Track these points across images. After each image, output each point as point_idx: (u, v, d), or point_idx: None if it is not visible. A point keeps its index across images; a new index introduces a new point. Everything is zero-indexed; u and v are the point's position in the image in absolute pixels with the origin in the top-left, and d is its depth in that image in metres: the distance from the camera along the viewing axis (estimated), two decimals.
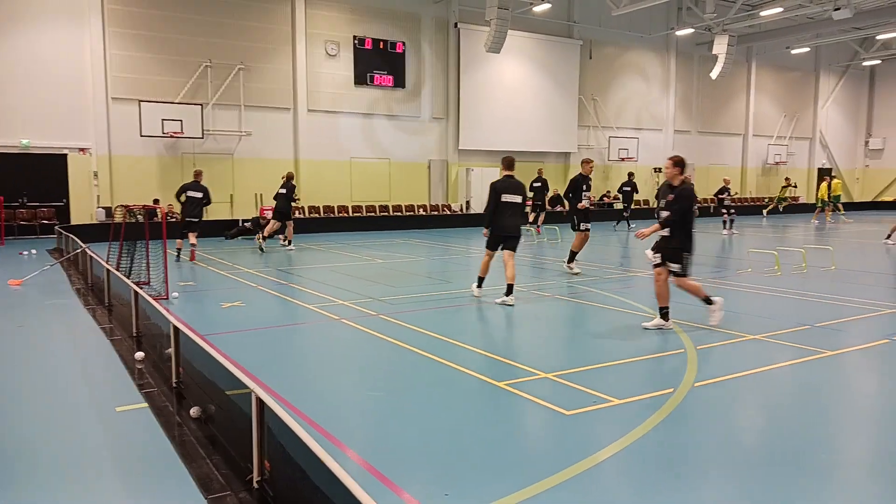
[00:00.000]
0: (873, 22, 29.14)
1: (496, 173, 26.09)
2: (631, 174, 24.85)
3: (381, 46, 23.48)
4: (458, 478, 3.91)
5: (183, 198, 14.01)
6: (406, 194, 24.76)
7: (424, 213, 24.80)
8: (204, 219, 14.63)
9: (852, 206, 36.66)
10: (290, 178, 16.37)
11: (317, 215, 22.55)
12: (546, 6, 24.32)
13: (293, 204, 16.42)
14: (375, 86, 23.55)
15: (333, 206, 23.13)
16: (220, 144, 21.36)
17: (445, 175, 25.53)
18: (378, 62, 23.50)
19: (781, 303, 9.38)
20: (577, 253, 12.20)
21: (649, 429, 4.60)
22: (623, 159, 29.39)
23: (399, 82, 24.00)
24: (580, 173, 12.08)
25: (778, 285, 10.78)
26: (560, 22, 27.34)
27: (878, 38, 33.08)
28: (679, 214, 7.44)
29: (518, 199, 9.33)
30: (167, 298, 9.25)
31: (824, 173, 37.67)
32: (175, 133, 19.84)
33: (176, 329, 5.29)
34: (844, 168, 38.81)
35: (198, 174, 14.48)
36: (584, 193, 11.91)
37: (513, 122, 26.43)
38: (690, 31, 29.08)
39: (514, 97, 26.50)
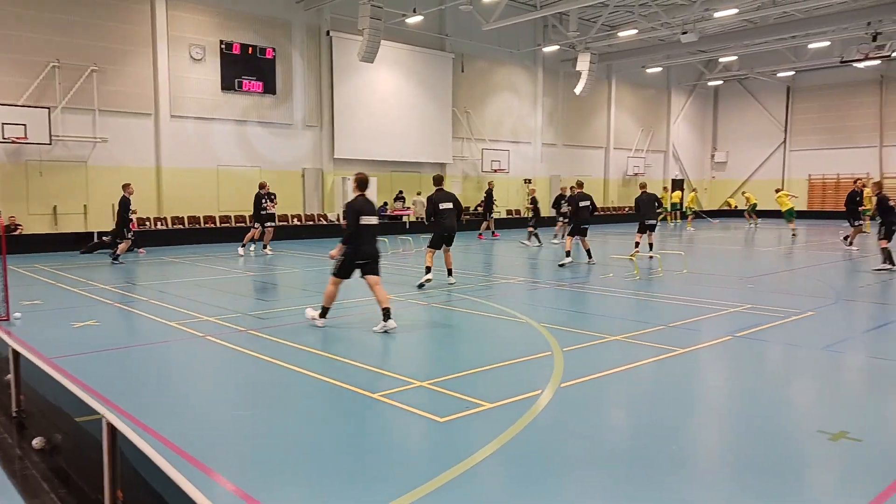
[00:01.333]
0: (716, 46, 32.07)
1: (374, 183, 26.14)
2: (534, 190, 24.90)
3: (250, 52, 22.74)
4: (332, 492, 3.82)
5: None
6: (279, 203, 24.03)
7: (299, 223, 24.23)
8: (54, 231, 13.23)
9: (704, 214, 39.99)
10: (261, 186, 17.73)
11: (181, 226, 21.38)
12: (418, 18, 24.62)
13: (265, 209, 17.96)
14: (244, 92, 22.76)
15: (199, 217, 22.04)
16: (72, 151, 19.74)
17: (321, 184, 25.10)
18: (247, 68, 22.73)
19: (639, 305, 10.02)
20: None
21: (520, 429, 4.73)
22: (496, 170, 30.29)
23: (269, 89, 23.35)
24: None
25: (637, 289, 11.51)
26: (433, 35, 27.79)
27: (721, 60, 36.42)
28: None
29: (375, 220, 8.43)
30: (8, 319, 8.40)
31: (677, 184, 40.88)
32: (18, 138, 18.10)
33: (15, 352, 4.80)
34: (694, 179, 42.21)
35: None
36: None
37: (388, 131, 26.49)
38: (556, 48, 30.55)
39: (389, 107, 26.58)
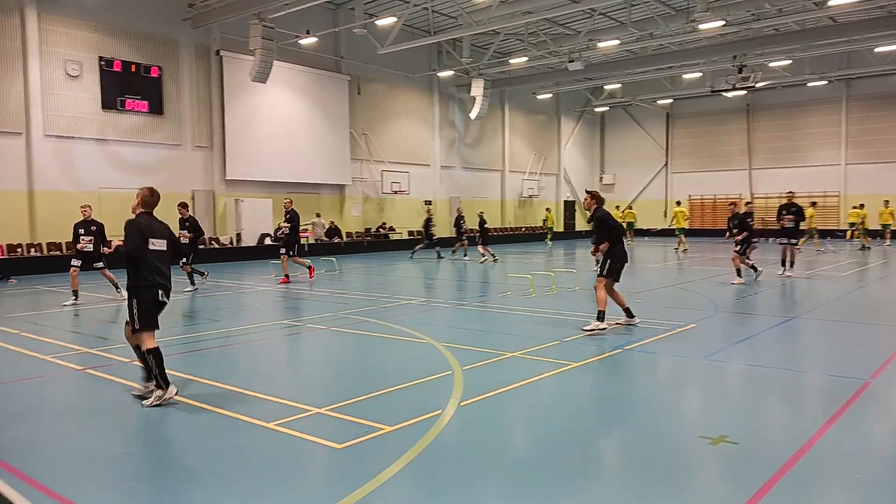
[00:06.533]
0: (601, 74, 33.88)
1: (269, 204, 25.55)
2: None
3: (133, 70, 21.68)
4: None
5: None
6: (169, 226, 22.91)
7: None
8: None
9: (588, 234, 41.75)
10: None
11: (57, 252, 19.87)
12: (312, 40, 24.41)
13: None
14: (128, 111, 21.63)
15: None
16: None
17: (212, 206, 24.19)
18: (130, 86, 21.63)
19: (535, 321, 10.27)
20: None
21: (421, 450, 4.69)
22: (396, 192, 30.37)
23: (155, 108, 22.32)
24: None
25: (533, 305, 11.80)
26: (328, 56, 27.62)
27: (606, 88, 38.45)
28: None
29: (164, 244, 6.35)
30: None
31: (569, 206, 42.54)
32: None
33: None
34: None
35: None
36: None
37: (284, 153, 25.97)
38: (450, 73, 31.18)
39: (284, 128, 26.08)
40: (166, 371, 5.98)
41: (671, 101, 39.90)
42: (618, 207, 32.32)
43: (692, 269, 18.90)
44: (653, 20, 25.45)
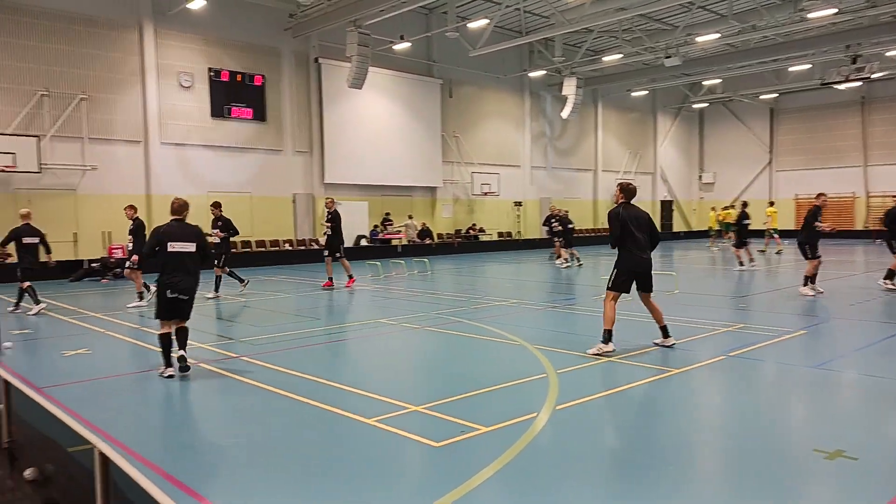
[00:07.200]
0: (699, 69, 32.59)
1: (365, 206, 26.27)
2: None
3: (239, 79, 22.88)
4: None
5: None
6: (270, 229, 24.06)
7: (290, 248, 24.20)
8: (44, 259, 12.90)
9: (693, 235, 40.28)
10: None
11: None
12: (406, 45, 24.91)
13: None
14: (234, 118, 22.86)
15: None
16: (61, 179, 19.69)
17: (312, 209, 25.13)
18: (236, 94, 22.85)
19: (632, 326, 10.03)
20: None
21: (517, 453, 4.71)
22: (486, 193, 30.45)
23: (259, 115, 23.47)
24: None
25: (629, 309, 11.53)
26: (421, 61, 28.07)
27: (704, 83, 36.98)
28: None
29: (191, 247, 7.18)
30: None
31: (666, 205, 41.20)
32: (6, 167, 18.05)
33: (6, 383, 4.74)
34: (683, 199, 42.58)
35: (29, 215, 12.27)
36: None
37: (378, 156, 26.62)
38: (542, 73, 30.94)
39: (378, 132, 26.74)
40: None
41: (775, 95, 37.82)
42: (713, 209, 30.68)
43: (797, 273, 17.88)
44: (756, 11, 24.25)
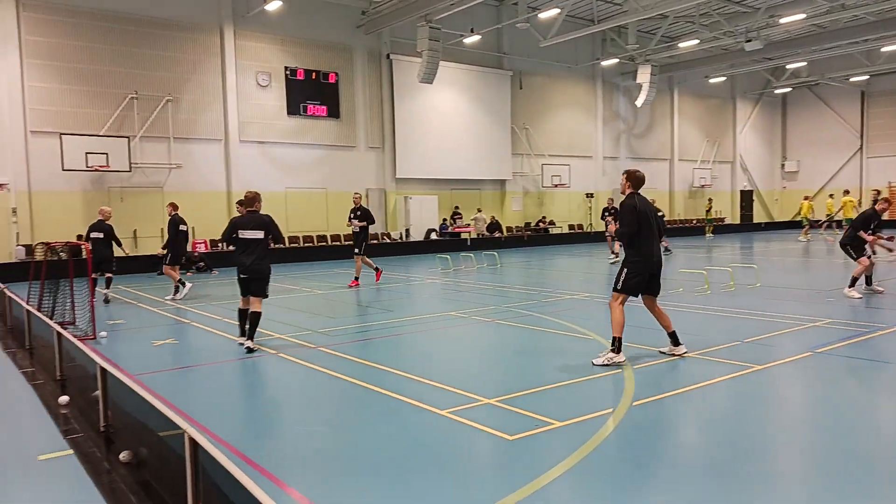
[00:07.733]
0: (782, 53, 31.07)
1: (435, 201, 26.46)
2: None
3: (314, 77, 23.45)
4: None
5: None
6: (344, 224, 24.50)
7: None
8: (132, 253, 13.68)
9: (774, 226, 38.55)
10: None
11: None
12: (476, 38, 24.87)
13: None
14: (309, 116, 23.46)
15: None
16: (149, 178, 20.76)
17: (384, 204, 25.51)
18: (311, 92, 23.44)
19: (711, 320, 9.71)
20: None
21: (591, 449, 4.65)
22: (556, 185, 30.09)
23: (333, 112, 23.99)
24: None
25: (708, 303, 11.16)
26: (490, 53, 27.96)
27: (788, 67, 35.23)
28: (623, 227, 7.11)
29: (259, 234, 8.34)
30: (94, 338, 8.84)
31: (746, 195, 39.61)
32: (100, 166, 19.16)
33: (103, 370, 5.05)
34: (764, 189, 40.82)
35: (103, 213, 13.13)
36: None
37: (448, 150, 26.74)
38: (615, 61, 30.25)
39: (448, 126, 26.84)
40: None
41: (867, 77, 35.65)
42: (806, 198, 28.93)
43: (891, 266, 16.85)
44: None
